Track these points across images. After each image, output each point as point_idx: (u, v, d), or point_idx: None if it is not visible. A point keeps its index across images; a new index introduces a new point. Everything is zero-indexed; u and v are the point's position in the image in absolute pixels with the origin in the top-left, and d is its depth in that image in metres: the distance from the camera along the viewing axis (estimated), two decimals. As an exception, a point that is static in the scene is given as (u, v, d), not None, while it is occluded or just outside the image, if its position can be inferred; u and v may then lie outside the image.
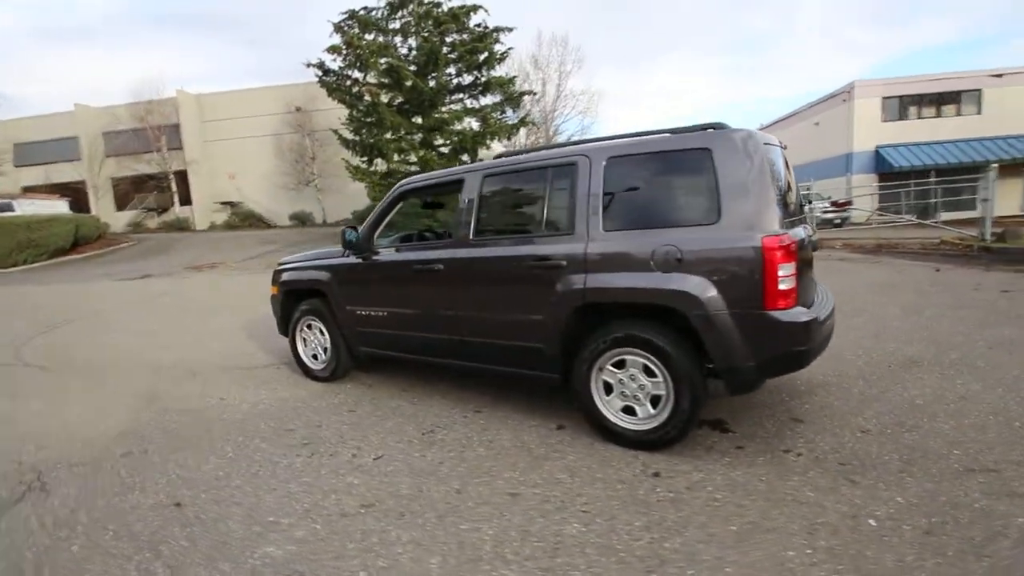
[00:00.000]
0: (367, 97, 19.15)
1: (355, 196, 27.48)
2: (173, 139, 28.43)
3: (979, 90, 22.26)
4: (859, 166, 23.92)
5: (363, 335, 3.99)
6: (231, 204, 29.48)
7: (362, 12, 19.70)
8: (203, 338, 6.42)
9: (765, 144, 2.66)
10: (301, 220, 28.42)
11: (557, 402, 3.60)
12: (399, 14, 20.04)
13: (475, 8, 19.68)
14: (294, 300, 4.51)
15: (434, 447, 3.06)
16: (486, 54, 19.67)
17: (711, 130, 2.68)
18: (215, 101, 29.18)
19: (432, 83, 19.29)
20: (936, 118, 23.33)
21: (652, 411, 2.80)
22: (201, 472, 2.89)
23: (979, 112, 22.85)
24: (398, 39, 20.25)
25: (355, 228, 3.83)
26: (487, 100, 21.12)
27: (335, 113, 24.96)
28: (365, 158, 20.07)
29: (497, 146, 20.33)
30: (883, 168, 23.31)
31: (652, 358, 2.73)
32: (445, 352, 3.55)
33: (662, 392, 2.75)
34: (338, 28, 19.35)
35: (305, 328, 4.42)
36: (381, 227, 3.93)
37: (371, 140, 19.34)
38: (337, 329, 4.13)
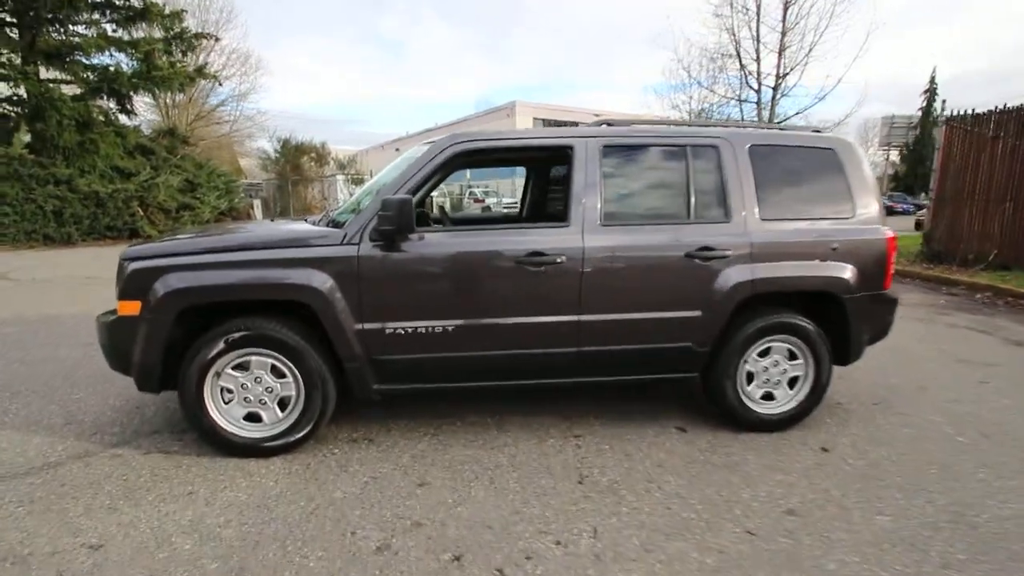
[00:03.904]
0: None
1: None
2: None
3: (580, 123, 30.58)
4: (521, 171, 29.33)
5: (391, 365, 2.57)
6: None
7: None
8: None
9: None
10: None
11: (628, 407, 3.27)
12: None
13: (119, -102, 14.15)
14: (199, 323, 2.48)
15: (630, 494, 2.31)
16: (144, -31, 14.50)
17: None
18: None
19: (49, -14, 12.95)
20: (565, 139, 31.09)
21: (790, 392, 2.95)
22: None
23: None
24: None
25: (405, 198, 2.37)
26: (141, 33, 15.69)
27: None
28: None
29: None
30: (535, 174, 29.31)
31: (800, 342, 2.86)
32: (554, 370, 2.71)
33: (800, 373, 2.93)
34: None
35: (229, 372, 2.50)
36: (415, 201, 2.60)
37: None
38: (322, 364, 2.52)
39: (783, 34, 16.31)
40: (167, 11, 15.63)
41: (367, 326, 2.51)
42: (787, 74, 16.84)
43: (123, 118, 15.70)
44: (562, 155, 2.72)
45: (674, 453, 2.70)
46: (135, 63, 14.80)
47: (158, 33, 15.78)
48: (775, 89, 16.64)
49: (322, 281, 2.44)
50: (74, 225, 13.61)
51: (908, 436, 2.96)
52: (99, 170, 14.40)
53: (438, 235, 2.62)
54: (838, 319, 2.89)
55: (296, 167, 22.84)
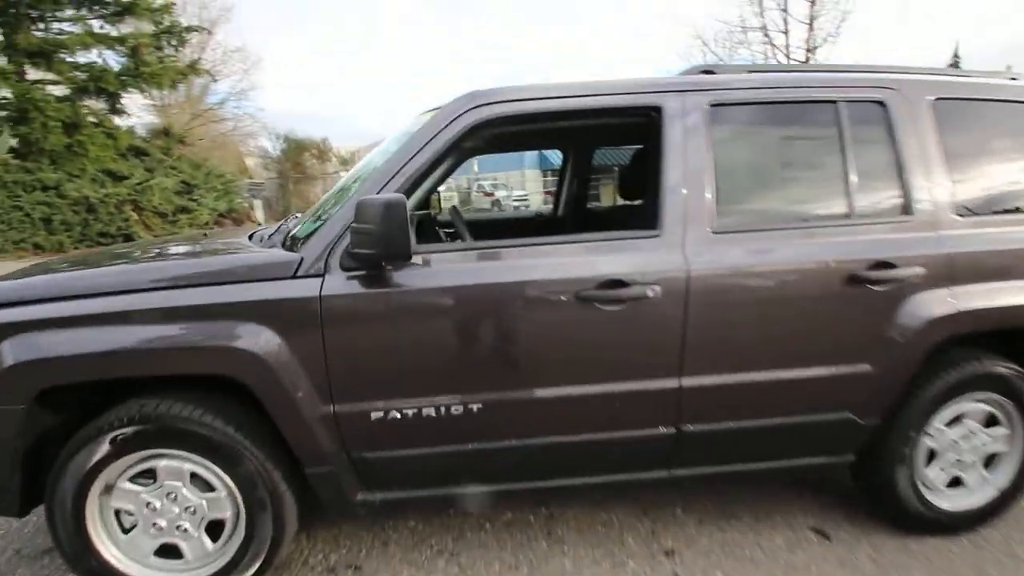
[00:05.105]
0: None
1: None
2: None
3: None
4: (529, 162, 28.12)
5: (383, 466, 1.64)
6: None
7: None
8: None
9: None
10: None
11: (726, 490, 2.29)
12: None
13: None
14: (65, 416, 1.57)
15: None
16: (129, -41, 13.64)
17: None
18: None
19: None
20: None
21: (986, 475, 1.96)
22: None
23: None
24: None
25: (394, 199, 1.41)
26: (129, 28, 14.87)
27: None
28: None
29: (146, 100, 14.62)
30: (546, 166, 28.07)
31: (1005, 400, 1.87)
32: (638, 461, 1.75)
33: (1003, 448, 1.94)
34: None
35: (125, 487, 1.57)
36: (415, 203, 1.64)
37: None
38: (272, 468, 1.58)
39: (812, 2, 15.09)
40: (156, 4, 14.80)
41: (341, 408, 1.56)
42: (817, 47, 15.62)
43: (115, 119, 14.95)
44: (643, 122, 1.74)
45: (829, 586, 1.73)
46: (123, 60, 13.99)
47: (147, 28, 14.97)
48: (805, 64, 15.37)
49: (262, 342, 1.48)
50: (65, 232, 12.88)
51: None
52: (89, 174, 13.64)
53: (451, 257, 1.66)
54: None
55: (297, 164, 21.97)
